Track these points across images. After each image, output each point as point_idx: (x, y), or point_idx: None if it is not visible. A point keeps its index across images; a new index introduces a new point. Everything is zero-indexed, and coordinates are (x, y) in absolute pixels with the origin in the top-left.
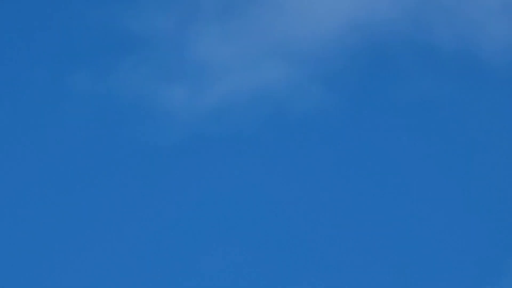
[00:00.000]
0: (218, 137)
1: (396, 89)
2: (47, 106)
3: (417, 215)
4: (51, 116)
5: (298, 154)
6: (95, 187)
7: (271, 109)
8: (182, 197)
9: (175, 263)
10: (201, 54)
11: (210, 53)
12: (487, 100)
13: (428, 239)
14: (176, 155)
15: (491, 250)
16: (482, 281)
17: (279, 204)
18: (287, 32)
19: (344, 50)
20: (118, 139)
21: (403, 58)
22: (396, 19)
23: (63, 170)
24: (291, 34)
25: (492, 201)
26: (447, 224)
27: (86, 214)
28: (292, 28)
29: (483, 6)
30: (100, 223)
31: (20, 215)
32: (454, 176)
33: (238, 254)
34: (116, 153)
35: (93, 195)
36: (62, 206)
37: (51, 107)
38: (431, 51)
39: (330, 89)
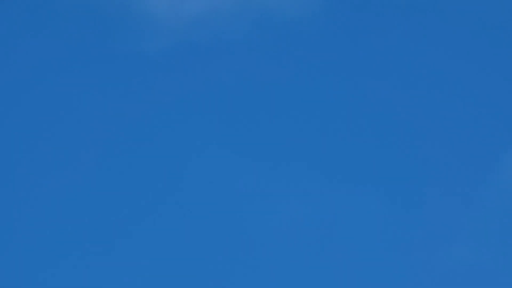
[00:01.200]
0: (205, 43)
1: None
2: (30, 17)
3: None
4: (35, 26)
5: (287, 59)
6: (82, 93)
7: (258, 13)
8: (170, 102)
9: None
10: None
11: None
12: None
13: (425, 124)
14: (163, 62)
15: (485, 145)
16: (475, 177)
17: (266, 106)
18: None
19: None
20: (103, 47)
21: None
22: None
23: (48, 76)
24: None
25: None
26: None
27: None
28: None
29: None
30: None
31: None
32: (451, 67)
33: (229, 157)
34: (102, 61)
35: (80, 99)
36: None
37: (35, 16)
38: None
39: None
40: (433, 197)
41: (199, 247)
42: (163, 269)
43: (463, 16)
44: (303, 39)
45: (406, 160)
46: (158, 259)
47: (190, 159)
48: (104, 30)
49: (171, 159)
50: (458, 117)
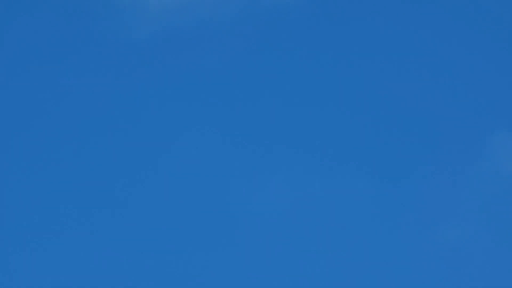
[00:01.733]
0: (191, 28)
1: None
2: (15, 2)
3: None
4: (20, 12)
5: (273, 44)
6: (67, 79)
7: None
8: (157, 88)
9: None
10: None
11: None
12: None
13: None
14: (149, 48)
15: (474, 125)
16: (465, 157)
17: (253, 91)
18: None
19: None
20: (88, 34)
21: None
22: None
23: (34, 62)
24: None
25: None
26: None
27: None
28: None
29: None
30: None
31: None
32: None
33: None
34: (88, 47)
35: (65, 86)
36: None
37: (20, 2)
38: None
39: None
40: (422, 177)
41: (184, 233)
42: (149, 251)
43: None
44: (290, 24)
45: (395, 141)
46: (142, 242)
47: (177, 144)
48: (89, 16)
49: (157, 144)
50: (447, 98)
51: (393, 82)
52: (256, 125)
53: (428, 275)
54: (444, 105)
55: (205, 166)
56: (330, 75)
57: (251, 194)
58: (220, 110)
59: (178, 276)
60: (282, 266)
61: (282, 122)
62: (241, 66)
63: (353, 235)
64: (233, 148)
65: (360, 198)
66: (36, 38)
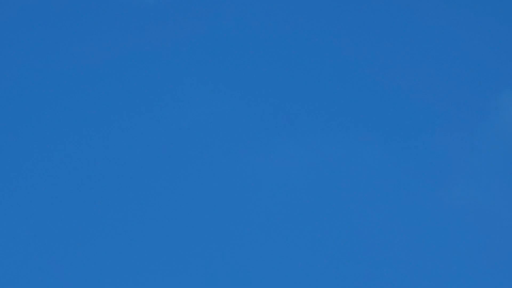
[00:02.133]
0: None
1: None
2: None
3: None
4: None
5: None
6: (76, 45)
7: None
8: (164, 51)
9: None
10: None
11: None
12: None
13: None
14: (154, 15)
15: (481, 86)
16: (473, 118)
17: (266, 54)
18: None
19: None
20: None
21: None
22: None
23: (40, 27)
24: None
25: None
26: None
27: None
28: None
29: None
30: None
31: None
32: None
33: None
34: (92, 15)
35: (72, 52)
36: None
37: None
38: None
39: None
40: (431, 139)
41: (191, 203)
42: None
43: None
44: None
45: (403, 105)
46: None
47: (187, 107)
48: None
49: (166, 107)
50: (452, 60)
51: (399, 47)
52: (267, 89)
53: (442, 237)
54: (451, 66)
55: (216, 128)
56: (340, 41)
57: (263, 159)
58: (232, 71)
59: (189, 250)
60: (293, 234)
61: (291, 87)
62: (251, 31)
63: (364, 200)
64: (244, 111)
65: (372, 161)
66: (43, 4)
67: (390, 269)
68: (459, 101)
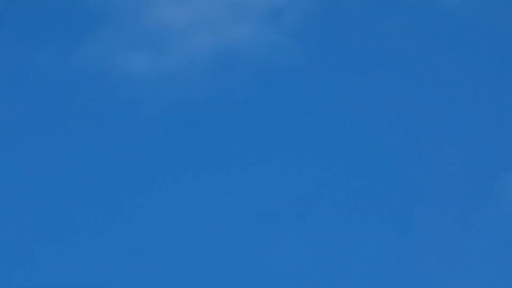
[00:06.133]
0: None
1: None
2: (14, 80)
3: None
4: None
5: (272, 111)
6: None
7: (240, 66)
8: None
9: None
10: (160, 19)
11: (169, 17)
12: None
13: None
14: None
15: (483, 166)
16: (475, 199)
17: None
18: None
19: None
20: (85, 111)
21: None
22: None
23: (33, 144)
24: None
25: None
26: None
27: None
28: None
29: None
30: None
31: None
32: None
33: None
34: (82, 123)
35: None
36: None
37: (18, 81)
38: None
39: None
40: (430, 218)
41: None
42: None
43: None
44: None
45: (404, 183)
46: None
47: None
48: (87, 94)
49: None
50: (453, 141)
51: (400, 128)
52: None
53: None
54: (450, 148)
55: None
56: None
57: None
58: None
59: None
60: None
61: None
62: (250, 142)
63: (364, 280)
64: (242, 207)
65: (371, 244)
66: (40, 117)
67: None
68: (459, 183)
